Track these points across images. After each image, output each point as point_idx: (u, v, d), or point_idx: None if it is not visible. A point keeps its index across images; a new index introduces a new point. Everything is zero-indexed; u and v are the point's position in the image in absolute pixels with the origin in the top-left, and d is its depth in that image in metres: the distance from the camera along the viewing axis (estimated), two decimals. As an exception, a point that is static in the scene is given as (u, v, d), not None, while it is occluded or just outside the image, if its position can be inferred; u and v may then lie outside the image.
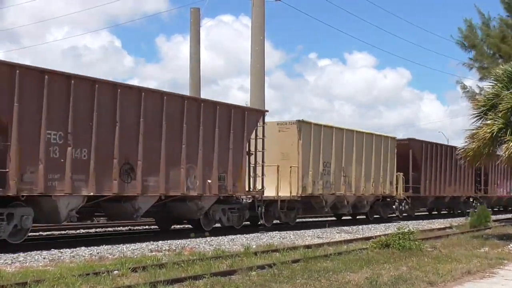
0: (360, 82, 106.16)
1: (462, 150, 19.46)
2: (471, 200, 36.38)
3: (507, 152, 17.82)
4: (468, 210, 34.45)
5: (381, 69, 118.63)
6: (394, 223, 25.68)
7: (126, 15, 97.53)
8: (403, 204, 29.60)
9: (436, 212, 37.03)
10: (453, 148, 32.63)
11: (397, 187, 28.31)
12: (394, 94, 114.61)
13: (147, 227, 21.55)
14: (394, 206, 29.09)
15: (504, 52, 31.32)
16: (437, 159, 32.17)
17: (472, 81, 77.55)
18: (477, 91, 32.59)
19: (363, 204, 26.37)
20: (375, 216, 28.26)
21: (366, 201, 26.44)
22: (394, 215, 29.64)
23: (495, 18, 33.36)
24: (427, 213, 36.59)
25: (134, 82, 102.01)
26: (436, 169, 31.96)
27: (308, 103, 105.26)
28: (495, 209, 41.84)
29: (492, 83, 19.47)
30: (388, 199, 28.49)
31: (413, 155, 30.16)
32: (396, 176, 28.29)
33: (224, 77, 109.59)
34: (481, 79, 33.30)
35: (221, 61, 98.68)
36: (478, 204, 34.63)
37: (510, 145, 17.67)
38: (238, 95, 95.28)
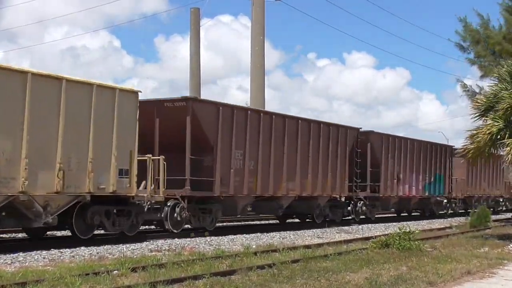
0: (359, 82, 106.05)
1: (462, 150, 19.49)
2: (351, 202, 25.64)
3: (509, 156, 17.81)
4: (343, 217, 25.56)
5: (380, 69, 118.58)
6: (393, 223, 25.64)
7: (125, 15, 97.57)
8: (177, 209, 17.27)
9: (284, 221, 24.88)
10: (299, 121, 22.03)
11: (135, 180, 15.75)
12: (393, 94, 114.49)
13: (147, 227, 21.52)
14: (162, 214, 17.14)
15: (505, 51, 31.14)
16: (259, 137, 19.86)
17: (471, 81, 77.59)
18: (477, 90, 32.47)
19: (36, 212, 13.65)
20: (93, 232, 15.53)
21: (43, 205, 13.71)
22: (154, 227, 18.49)
23: (501, 12, 32.87)
24: (255, 222, 25.37)
25: (134, 82, 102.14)
26: (256, 152, 19.67)
27: (307, 103, 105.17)
28: (403, 214, 32.70)
29: (493, 82, 19.49)
30: (141, 202, 16.35)
31: (196, 127, 17.56)
32: (141, 160, 16.15)
33: (223, 77, 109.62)
34: (482, 76, 33.17)
35: (220, 61, 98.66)
36: (364, 208, 26.04)
37: (512, 148, 17.67)
38: (237, 95, 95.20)
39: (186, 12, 64.92)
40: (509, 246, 16.45)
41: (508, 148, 17.84)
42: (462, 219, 29.58)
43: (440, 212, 33.25)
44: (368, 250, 14.43)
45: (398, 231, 15.38)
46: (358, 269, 11.36)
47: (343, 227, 22.97)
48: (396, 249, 14.25)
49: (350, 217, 25.77)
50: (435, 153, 31.82)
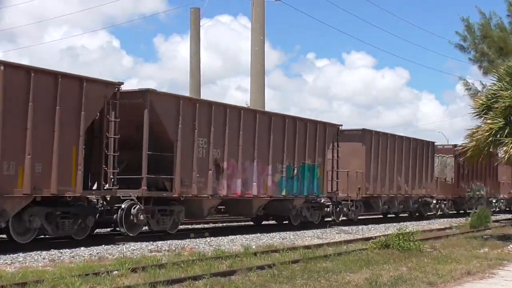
0: (359, 82, 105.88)
1: (462, 148, 19.54)
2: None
3: (507, 155, 17.83)
4: (113, 228, 16.39)
5: (380, 69, 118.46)
6: (393, 224, 25.64)
7: (124, 15, 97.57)
8: None
9: None
10: None
11: None
12: (393, 94, 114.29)
13: (146, 228, 21.49)
14: None
15: (510, 49, 30.89)
16: None
17: (471, 80, 77.50)
18: (479, 88, 32.19)
19: None
20: None
21: None
22: None
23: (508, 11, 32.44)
24: None
25: (133, 82, 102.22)
26: None
27: (306, 103, 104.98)
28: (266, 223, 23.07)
29: (494, 81, 19.52)
30: None
31: None
32: None
33: (223, 77, 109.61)
34: (485, 73, 32.92)
35: (219, 61, 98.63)
36: (142, 216, 15.75)
37: (510, 147, 17.67)
38: (237, 95, 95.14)
39: (185, 12, 65.21)
40: (509, 247, 16.45)
41: (506, 147, 17.85)
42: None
43: (327, 219, 23.76)
44: (368, 250, 14.43)
45: (398, 231, 15.40)
46: (358, 269, 11.37)
47: (343, 227, 22.88)
48: (396, 250, 14.26)
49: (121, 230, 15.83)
50: (301, 133, 21.38)
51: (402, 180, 27.90)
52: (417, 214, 31.25)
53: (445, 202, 32.81)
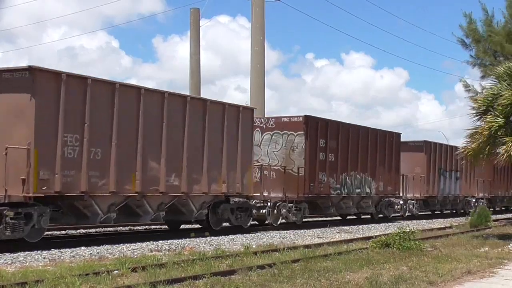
0: (358, 82, 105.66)
1: (463, 149, 19.49)
2: None
3: (505, 154, 17.82)
4: None
5: (379, 69, 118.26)
6: (393, 224, 25.61)
7: (123, 16, 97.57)
8: None
9: None
10: None
11: None
12: (392, 94, 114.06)
13: (147, 227, 21.50)
14: None
15: (507, 51, 30.95)
16: None
17: (469, 80, 77.39)
18: (479, 90, 32.16)
19: None
20: None
21: None
22: None
23: (503, 15, 32.58)
24: None
25: (132, 82, 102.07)
26: None
27: (305, 104, 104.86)
28: None
29: (493, 82, 19.47)
30: None
31: None
32: None
33: (222, 77, 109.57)
34: (482, 77, 32.97)
35: (218, 62, 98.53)
36: None
37: (510, 146, 17.66)
38: (236, 95, 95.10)
39: (184, 13, 65.04)
40: (509, 246, 16.44)
41: (506, 146, 17.83)
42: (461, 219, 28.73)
43: None
44: (369, 250, 14.44)
45: (398, 231, 15.41)
46: (359, 269, 11.37)
47: (343, 227, 22.89)
48: (396, 249, 14.26)
49: None
50: None
51: (161, 168, 16.25)
52: (227, 223, 19.10)
53: (290, 205, 21.07)
